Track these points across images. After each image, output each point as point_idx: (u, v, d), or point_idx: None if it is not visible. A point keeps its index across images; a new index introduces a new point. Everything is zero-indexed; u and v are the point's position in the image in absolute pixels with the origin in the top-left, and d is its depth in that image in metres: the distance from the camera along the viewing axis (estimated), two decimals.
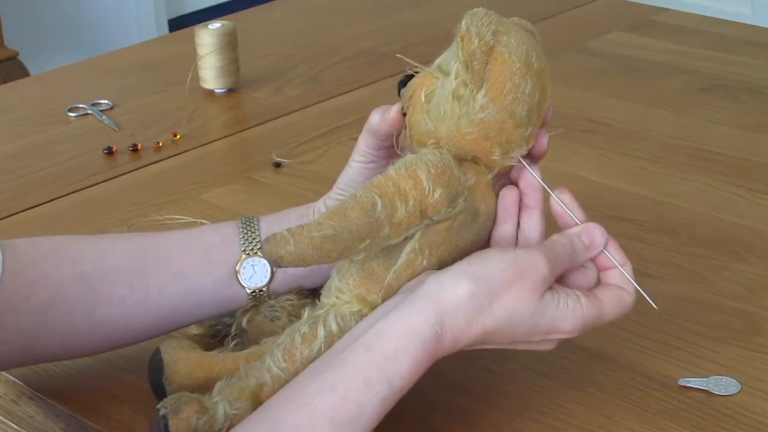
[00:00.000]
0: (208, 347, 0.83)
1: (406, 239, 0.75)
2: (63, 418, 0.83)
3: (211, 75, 1.35)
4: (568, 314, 0.74)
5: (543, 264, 0.74)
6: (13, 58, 2.83)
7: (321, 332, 0.75)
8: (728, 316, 0.91)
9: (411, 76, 0.79)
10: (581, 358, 0.86)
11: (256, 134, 1.28)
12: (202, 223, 1.05)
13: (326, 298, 0.78)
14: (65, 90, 1.41)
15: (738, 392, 0.82)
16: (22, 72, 2.80)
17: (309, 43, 1.54)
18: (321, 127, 1.27)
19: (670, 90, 1.36)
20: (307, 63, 1.47)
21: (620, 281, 0.78)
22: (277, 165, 1.19)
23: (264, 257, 0.82)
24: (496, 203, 0.78)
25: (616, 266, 0.78)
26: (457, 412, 0.81)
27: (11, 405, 0.85)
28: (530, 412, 0.81)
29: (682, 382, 0.83)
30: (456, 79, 0.75)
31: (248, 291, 0.84)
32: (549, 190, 0.78)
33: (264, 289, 0.84)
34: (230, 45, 1.34)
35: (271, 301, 0.83)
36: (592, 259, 0.78)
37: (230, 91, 1.37)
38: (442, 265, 0.75)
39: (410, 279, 0.75)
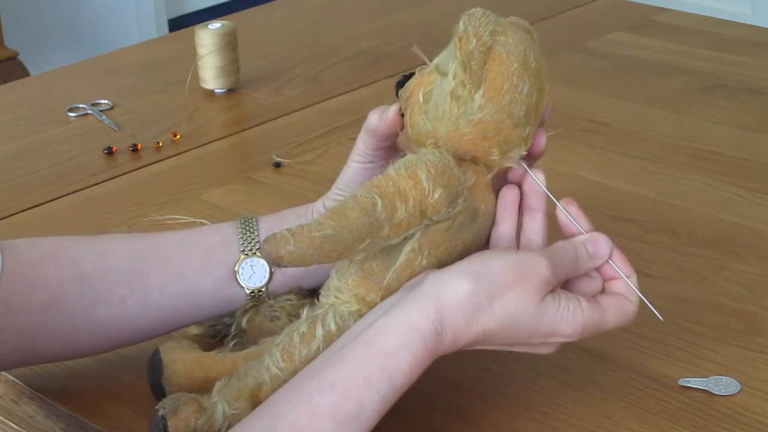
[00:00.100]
0: (208, 347, 0.83)
1: (406, 239, 0.75)
2: (63, 418, 0.83)
3: (211, 75, 1.35)
4: (568, 317, 0.74)
5: (545, 267, 0.74)
6: (13, 58, 2.83)
7: (319, 332, 0.75)
8: (728, 316, 0.91)
9: (409, 77, 0.79)
10: (581, 358, 0.86)
11: (256, 134, 1.28)
12: (202, 223, 1.06)
13: (325, 298, 0.78)
14: (65, 90, 1.41)
15: (738, 392, 0.82)
16: (22, 72, 2.80)
17: (309, 43, 1.54)
18: (321, 127, 1.27)
19: (670, 90, 1.36)
20: (307, 63, 1.47)
21: (624, 290, 0.77)
22: (277, 165, 1.19)
23: (264, 257, 0.82)
24: (496, 203, 0.78)
25: (622, 277, 0.78)
26: (457, 412, 0.81)
27: (11, 405, 0.85)
28: (530, 412, 0.81)
29: (682, 382, 0.83)
30: (454, 79, 0.75)
31: (247, 291, 0.84)
32: (555, 201, 0.78)
33: (263, 289, 0.84)
34: (230, 45, 1.34)
35: (271, 301, 0.83)
36: (598, 269, 0.78)
37: (230, 91, 1.37)
38: (441, 265, 0.75)
39: (409, 279, 0.75)
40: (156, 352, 0.80)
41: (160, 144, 1.24)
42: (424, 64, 0.78)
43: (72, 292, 0.80)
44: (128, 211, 1.11)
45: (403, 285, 0.75)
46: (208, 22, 1.34)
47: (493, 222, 0.78)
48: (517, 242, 0.79)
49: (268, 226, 0.84)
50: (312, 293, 0.83)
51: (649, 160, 1.18)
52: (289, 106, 1.34)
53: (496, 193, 0.79)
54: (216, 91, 1.36)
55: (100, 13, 3.46)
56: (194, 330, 0.87)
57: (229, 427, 0.73)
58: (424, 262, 0.75)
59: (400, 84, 0.79)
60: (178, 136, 1.26)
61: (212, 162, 1.22)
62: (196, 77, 1.35)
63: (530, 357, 0.78)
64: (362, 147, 0.82)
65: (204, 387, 0.77)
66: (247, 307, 0.84)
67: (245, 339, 0.84)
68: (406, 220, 0.74)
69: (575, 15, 1.63)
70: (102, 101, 1.35)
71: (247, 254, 0.84)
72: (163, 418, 0.72)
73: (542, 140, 0.79)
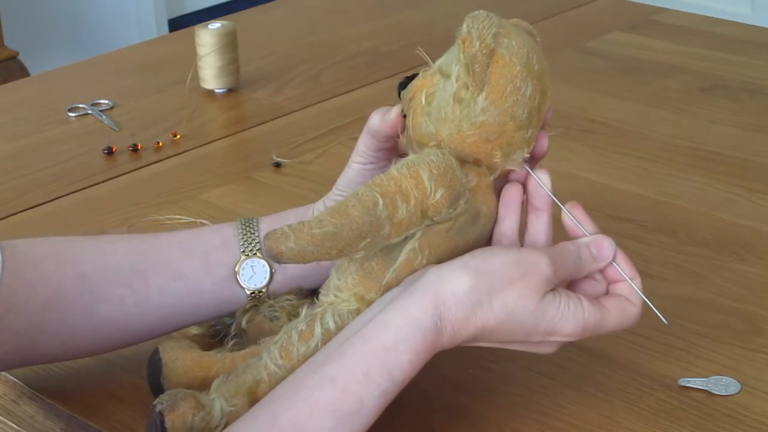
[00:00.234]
0: (208, 347, 0.83)
1: (406, 239, 0.75)
2: (63, 418, 0.83)
3: (211, 75, 1.35)
4: (569, 316, 0.74)
5: (546, 265, 0.74)
6: (13, 58, 2.83)
7: (318, 330, 0.75)
8: (728, 316, 0.91)
9: (411, 78, 0.79)
10: (581, 358, 0.86)
11: (256, 134, 1.28)
12: (203, 223, 1.06)
13: (324, 297, 0.78)
14: (65, 90, 1.41)
15: (738, 392, 0.82)
16: (22, 72, 2.81)
17: (309, 43, 1.54)
18: (321, 127, 1.27)
19: (670, 90, 1.36)
20: (307, 63, 1.47)
21: (627, 293, 0.77)
22: (277, 165, 1.19)
23: (264, 253, 0.82)
24: (498, 205, 0.78)
25: (625, 279, 0.78)
26: (457, 412, 0.81)
27: (11, 405, 0.85)
28: (530, 412, 0.81)
29: (682, 382, 0.83)
30: (457, 81, 0.75)
31: (247, 292, 0.84)
32: (560, 205, 0.78)
33: (263, 290, 0.84)
34: (230, 45, 1.34)
35: (271, 302, 0.83)
36: (602, 272, 0.78)
37: (230, 91, 1.37)
38: None
39: None
40: (155, 352, 0.80)
41: (160, 144, 1.24)
42: (425, 64, 0.78)
43: (72, 292, 0.80)
44: (128, 211, 1.11)
45: None
46: (208, 22, 1.34)
47: (495, 221, 0.78)
48: (522, 242, 0.79)
49: (269, 226, 0.84)
50: (312, 294, 0.83)
51: (649, 160, 1.18)
52: (289, 106, 1.34)
53: (498, 194, 0.79)
54: (216, 91, 1.36)
55: (100, 13, 3.46)
56: (194, 330, 0.87)
57: (227, 424, 0.73)
58: (424, 262, 0.75)
59: (403, 85, 0.79)
60: (178, 136, 1.26)
61: (212, 162, 1.22)
62: (196, 77, 1.35)
63: (530, 357, 0.78)
64: (363, 148, 0.82)
65: (203, 386, 0.77)
66: (247, 307, 0.84)
67: (245, 339, 0.84)
68: (407, 220, 0.74)
69: (575, 15, 1.63)
70: (102, 101, 1.35)
71: (247, 255, 0.84)
72: (161, 413, 0.72)
73: (544, 142, 0.79)
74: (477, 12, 0.76)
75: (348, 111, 1.31)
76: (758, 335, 0.89)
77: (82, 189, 1.16)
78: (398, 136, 0.80)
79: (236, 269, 0.83)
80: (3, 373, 0.86)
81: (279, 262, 0.72)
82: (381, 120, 0.80)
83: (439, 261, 0.75)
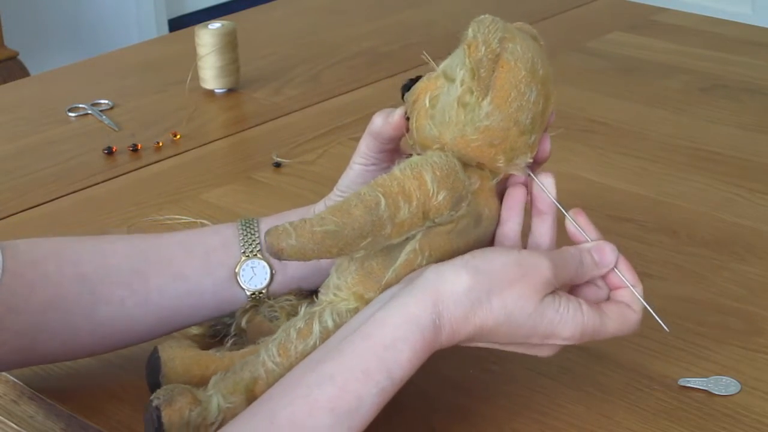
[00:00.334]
0: (208, 347, 0.83)
1: (407, 239, 0.75)
2: (63, 418, 0.83)
3: (211, 75, 1.35)
4: (567, 319, 0.74)
5: (546, 267, 0.73)
6: (13, 58, 2.83)
7: (317, 328, 0.75)
8: (728, 316, 0.91)
9: (414, 80, 0.79)
10: (581, 358, 0.86)
11: (256, 134, 1.28)
12: (203, 224, 1.06)
13: (324, 296, 0.78)
14: (65, 90, 1.41)
15: (738, 392, 0.82)
16: (22, 72, 2.81)
17: (309, 43, 1.54)
18: (321, 127, 1.27)
19: (670, 90, 1.36)
20: (307, 63, 1.47)
21: (629, 300, 0.77)
22: (277, 165, 1.19)
23: (265, 249, 0.82)
24: (500, 208, 0.78)
25: (627, 286, 0.77)
26: (457, 412, 0.81)
27: (11, 405, 0.85)
28: (530, 412, 0.81)
29: (682, 382, 0.83)
30: (462, 85, 0.75)
31: (248, 293, 0.84)
32: (564, 212, 0.78)
33: (263, 291, 0.84)
34: (230, 45, 1.34)
35: (271, 302, 0.83)
36: (604, 278, 0.78)
37: (230, 91, 1.37)
38: None
39: None
40: (154, 351, 0.80)
41: (160, 144, 1.24)
42: (426, 65, 0.78)
43: (72, 292, 0.80)
44: (128, 211, 1.11)
45: None
46: (208, 22, 1.34)
47: (497, 223, 0.78)
48: (525, 245, 0.78)
49: (269, 227, 0.84)
50: (312, 295, 0.83)
51: (649, 160, 1.18)
52: (289, 106, 1.34)
53: (500, 198, 0.79)
54: (216, 91, 1.36)
55: (100, 13, 3.46)
56: (194, 330, 0.87)
57: (224, 420, 0.73)
58: (425, 262, 0.75)
59: (406, 87, 0.79)
60: (178, 136, 1.26)
61: (212, 162, 1.22)
62: (196, 77, 1.35)
63: (530, 357, 0.78)
64: (365, 149, 0.82)
65: (201, 384, 0.77)
66: (247, 307, 0.84)
67: (244, 339, 0.84)
68: (408, 221, 0.74)
69: (575, 15, 1.63)
70: (102, 101, 1.35)
71: (248, 256, 0.84)
72: (157, 408, 0.72)
73: (547, 146, 0.79)
74: (483, 16, 0.75)
75: (348, 111, 1.31)
76: (758, 335, 0.89)
77: (82, 189, 1.16)
78: (401, 138, 0.80)
79: (236, 270, 0.83)
80: (3, 373, 0.86)
81: (280, 259, 0.72)
82: (384, 122, 0.80)
83: (439, 262, 0.75)
